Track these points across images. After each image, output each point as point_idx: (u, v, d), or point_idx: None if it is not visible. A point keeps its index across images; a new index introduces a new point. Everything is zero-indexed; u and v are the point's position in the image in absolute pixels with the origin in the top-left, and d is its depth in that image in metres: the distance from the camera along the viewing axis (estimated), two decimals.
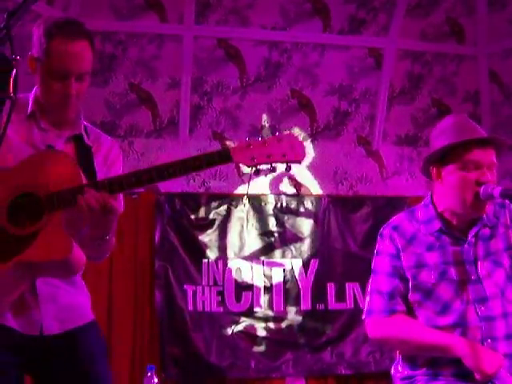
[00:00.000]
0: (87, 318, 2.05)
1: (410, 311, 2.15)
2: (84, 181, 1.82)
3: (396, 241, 2.18)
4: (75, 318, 1.99)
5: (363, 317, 2.23)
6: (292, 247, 4.99)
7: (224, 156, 1.78)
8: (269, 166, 1.79)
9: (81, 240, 1.90)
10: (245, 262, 4.90)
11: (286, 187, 5.14)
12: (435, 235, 2.17)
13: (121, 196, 2.00)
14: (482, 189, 2.06)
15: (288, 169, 1.80)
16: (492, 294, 2.08)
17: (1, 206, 1.80)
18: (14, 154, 1.88)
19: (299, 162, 1.80)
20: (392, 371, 2.24)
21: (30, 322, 1.89)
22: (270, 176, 4.97)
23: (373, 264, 2.25)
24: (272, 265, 4.94)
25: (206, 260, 4.82)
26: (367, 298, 2.23)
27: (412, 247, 2.17)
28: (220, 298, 4.79)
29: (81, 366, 1.98)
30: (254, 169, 1.79)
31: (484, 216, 2.17)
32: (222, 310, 4.78)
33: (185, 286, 4.73)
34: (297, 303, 4.89)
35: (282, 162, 1.79)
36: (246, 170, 1.83)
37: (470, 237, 2.15)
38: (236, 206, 4.97)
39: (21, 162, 1.87)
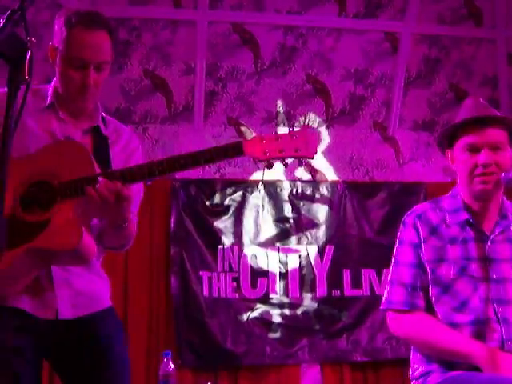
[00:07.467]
0: (103, 304, 2.05)
1: (429, 306, 2.10)
2: (98, 171, 1.84)
3: (419, 230, 2.13)
4: (90, 305, 2.00)
5: (381, 307, 2.18)
6: (308, 233, 4.97)
7: (236, 149, 1.80)
8: (281, 161, 1.82)
9: (100, 230, 1.94)
10: (260, 248, 4.88)
11: (302, 173, 5.10)
12: (461, 226, 2.11)
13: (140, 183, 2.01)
14: (503, 175, 2.02)
15: (300, 163, 1.83)
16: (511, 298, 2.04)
17: (15, 193, 1.82)
18: (35, 143, 1.91)
19: (311, 158, 1.83)
20: (410, 372, 2.19)
21: (45, 306, 1.90)
22: None
23: (394, 253, 2.19)
24: (287, 251, 4.92)
25: (221, 246, 4.81)
26: (387, 288, 2.18)
27: (434, 239, 2.11)
28: (235, 284, 4.79)
29: (96, 352, 1.99)
30: (266, 163, 1.81)
31: (509, 214, 2.13)
32: (237, 296, 4.77)
33: (200, 273, 4.73)
34: (312, 290, 4.88)
35: (295, 158, 1.82)
36: None
37: (495, 234, 2.10)
38: (251, 193, 4.95)
39: (36, 150, 1.89)
